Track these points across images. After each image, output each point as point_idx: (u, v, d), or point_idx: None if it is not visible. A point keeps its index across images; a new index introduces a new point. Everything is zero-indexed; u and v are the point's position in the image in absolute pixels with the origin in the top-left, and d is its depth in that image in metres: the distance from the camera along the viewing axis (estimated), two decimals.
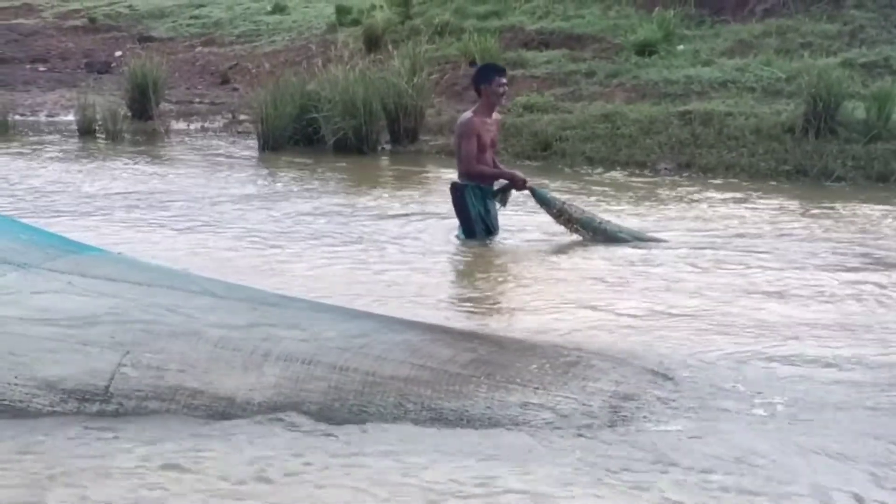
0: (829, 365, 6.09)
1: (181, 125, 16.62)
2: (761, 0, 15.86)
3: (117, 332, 5.50)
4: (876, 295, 7.67)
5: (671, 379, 5.67)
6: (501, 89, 9.14)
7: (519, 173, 9.39)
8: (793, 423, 5.16)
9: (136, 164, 13.57)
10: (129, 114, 16.63)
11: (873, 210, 10.54)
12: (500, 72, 9.29)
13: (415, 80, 14.51)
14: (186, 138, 15.74)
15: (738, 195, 11.34)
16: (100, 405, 5.19)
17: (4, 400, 5.19)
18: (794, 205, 10.90)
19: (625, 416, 5.17)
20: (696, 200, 11.15)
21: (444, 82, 16.01)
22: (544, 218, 9.42)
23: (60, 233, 7.44)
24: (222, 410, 5.14)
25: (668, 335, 6.69)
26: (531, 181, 9.36)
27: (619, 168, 12.91)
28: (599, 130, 13.69)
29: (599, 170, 12.88)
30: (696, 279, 8.08)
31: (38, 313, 5.66)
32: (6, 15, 24.50)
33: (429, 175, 12.75)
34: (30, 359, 5.38)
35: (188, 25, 22.15)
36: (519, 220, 9.74)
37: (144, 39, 21.61)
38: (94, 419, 5.12)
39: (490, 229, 9.25)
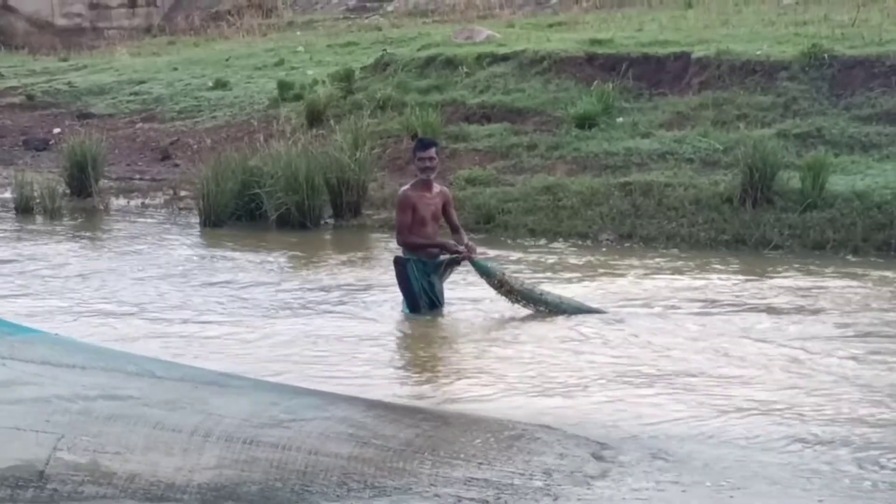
0: (766, 437, 6.10)
1: (121, 202, 16.47)
2: (697, 73, 16.07)
3: (52, 415, 5.38)
4: (818, 364, 7.71)
5: (614, 450, 5.65)
6: (423, 163, 9.17)
7: (451, 242, 9.34)
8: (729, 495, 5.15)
9: (74, 242, 13.43)
10: (68, 191, 16.43)
11: (809, 279, 10.65)
12: (424, 146, 9.32)
13: (357, 154, 14.51)
14: (126, 215, 15.60)
15: (678, 265, 11.40)
16: (34, 491, 5.06)
17: None
18: (732, 274, 10.97)
19: (568, 489, 5.13)
20: (638, 271, 11.20)
21: (386, 156, 16.02)
22: (487, 291, 9.41)
23: None
24: (161, 494, 5.04)
25: (611, 406, 6.71)
26: (469, 252, 9.30)
27: (561, 239, 12.94)
28: (541, 202, 13.75)
29: (542, 241, 12.91)
30: (638, 350, 8.09)
31: None
32: None
33: (372, 249, 12.72)
34: None
35: (128, 102, 22.05)
36: (463, 293, 9.71)
37: (84, 116, 21.46)
38: None
39: (434, 303, 9.21)
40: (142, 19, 33.28)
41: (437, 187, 9.39)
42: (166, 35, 31.10)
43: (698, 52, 16.44)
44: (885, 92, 14.57)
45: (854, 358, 7.84)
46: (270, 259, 12.13)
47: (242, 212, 14.52)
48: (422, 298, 9.16)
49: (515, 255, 12.01)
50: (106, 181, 17.10)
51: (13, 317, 7.55)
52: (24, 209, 15.62)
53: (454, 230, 9.49)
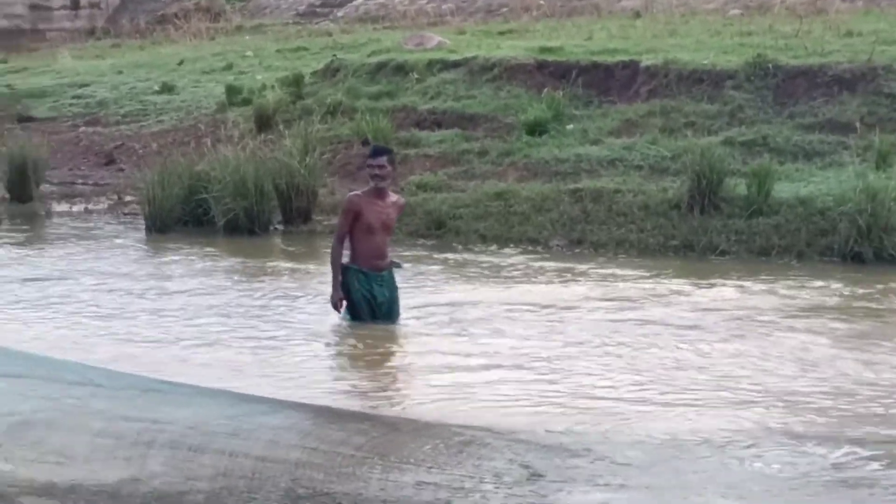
0: (703, 439, 6.13)
1: (63, 207, 16.23)
2: (645, 82, 16.14)
3: None
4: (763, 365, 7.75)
5: (564, 455, 5.63)
6: (373, 170, 9.00)
7: (337, 293, 8.87)
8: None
9: (13, 247, 13.20)
10: (8, 196, 16.22)
11: (755, 283, 10.72)
12: (374, 153, 9.16)
13: (307, 160, 14.39)
14: (69, 220, 15.37)
15: (628, 271, 11.42)
16: None
17: None
18: (679, 279, 11.01)
19: (517, 493, 5.08)
20: (587, 276, 11.20)
21: (336, 162, 15.94)
22: (433, 297, 9.37)
23: None
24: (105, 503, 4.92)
25: (560, 411, 6.70)
26: (339, 303, 8.89)
27: (512, 245, 12.93)
28: (493, 208, 13.73)
29: (493, 247, 12.89)
30: (586, 355, 8.11)
31: None
32: None
33: (321, 255, 12.58)
34: None
35: (71, 105, 21.82)
36: (409, 300, 9.64)
37: (24, 119, 21.18)
38: None
39: (376, 313, 9.04)
40: (85, 21, 32.95)
41: (392, 196, 9.19)
42: (111, 38, 30.84)
43: (646, 60, 16.52)
44: (828, 101, 14.76)
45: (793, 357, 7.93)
46: (217, 265, 12.01)
47: (189, 217, 14.36)
48: (361, 306, 9.03)
49: (464, 260, 11.98)
50: (47, 186, 16.89)
51: None
52: None
53: None
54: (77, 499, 4.95)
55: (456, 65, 17.90)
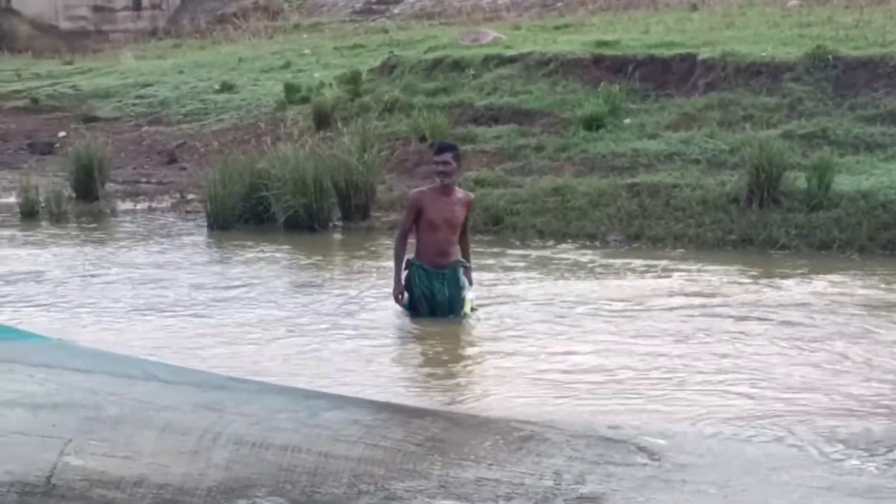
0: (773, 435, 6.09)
1: (128, 205, 16.45)
2: (703, 75, 16.07)
3: (59, 420, 5.37)
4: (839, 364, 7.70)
5: (625, 452, 5.63)
6: (437, 167, 9.05)
7: (398, 287, 9.04)
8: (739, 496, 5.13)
9: (80, 246, 13.39)
10: (74, 195, 16.37)
11: (818, 278, 10.64)
12: (438, 150, 9.20)
13: (365, 156, 14.48)
14: (133, 219, 15.57)
15: (687, 265, 11.39)
16: (42, 497, 5.03)
17: None
18: (740, 274, 10.95)
19: (578, 489, 5.11)
20: (647, 271, 11.19)
21: (394, 158, 16.02)
22: (495, 291, 9.39)
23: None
24: (170, 497, 5.02)
25: (620, 406, 6.69)
26: (399, 296, 9.04)
27: (569, 240, 12.94)
28: (549, 204, 13.75)
29: (550, 242, 12.91)
30: (648, 350, 8.07)
31: None
32: None
33: (380, 251, 12.69)
34: None
35: (134, 105, 22.08)
36: (474, 295, 9.66)
37: (89, 119, 21.48)
38: None
39: (435, 311, 9.08)
40: (147, 22, 33.32)
41: (458, 193, 9.18)
42: (172, 38, 31.15)
43: (704, 53, 16.45)
44: (889, 92, 14.63)
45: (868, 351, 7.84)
46: (278, 262, 12.10)
47: (250, 215, 14.50)
48: (420, 303, 9.09)
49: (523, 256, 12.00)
50: (112, 185, 17.09)
51: (20, 323, 7.57)
52: (28, 213, 15.54)
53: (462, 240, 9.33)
54: (144, 493, 5.03)
55: (512, 60, 17.93)
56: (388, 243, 12.85)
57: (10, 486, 5.04)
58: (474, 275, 9.41)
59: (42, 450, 5.21)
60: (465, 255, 9.29)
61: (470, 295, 9.12)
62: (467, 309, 9.07)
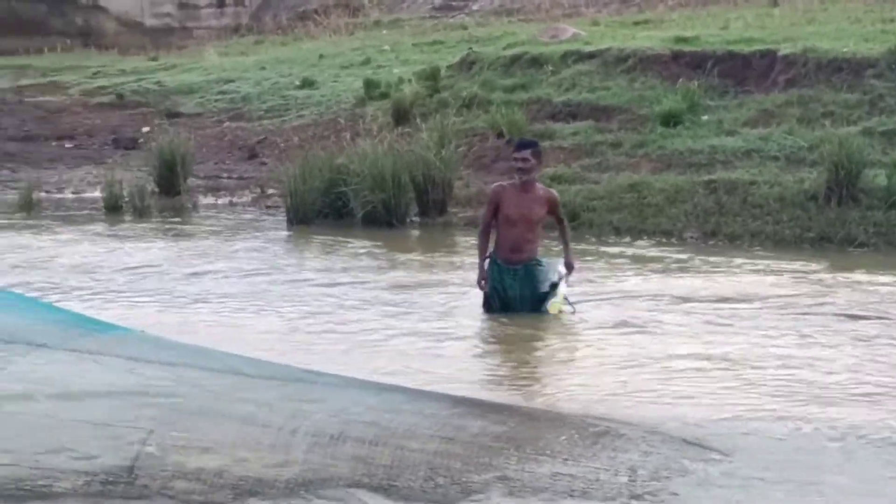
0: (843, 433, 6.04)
1: (209, 200, 16.69)
2: (783, 71, 15.94)
3: (142, 411, 5.48)
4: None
5: (700, 448, 5.63)
6: (516, 163, 9.08)
7: (481, 273, 9.06)
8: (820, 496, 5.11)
9: (163, 240, 13.62)
10: (157, 190, 16.67)
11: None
12: (518, 146, 9.22)
13: (443, 152, 14.57)
14: (215, 213, 15.80)
15: (764, 263, 11.30)
16: (124, 486, 5.13)
17: (26, 484, 5.13)
18: (819, 272, 10.85)
19: (652, 486, 5.13)
20: (723, 268, 11.13)
21: (471, 154, 16.09)
22: (577, 289, 9.40)
23: (83, 312, 7.46)
24: (250, 489, 5.10)
25: (696, 403, 6.67)
26: (481, 284, 9.05)
27: (645, 237, 12.92)
28: (626, 200, 13.73)
29: (626, 239, 12.90)
30: (724, 348, 8.03)
31: (61, 393, 5.65)
32: (33, 92, 24.82)
33: (457, 247, 12.76)
34: (52, 441, 5.35)
35: (216, 101, 22.35)
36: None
37: (172, 115, 21.79)
38: (119, 501, 5.06)
39: (508, 307, 9.10)
40: (230, 19, 33.70)
41: (540, 190, 9.17)
42: (254, 34, 31.48)
43: (784, 49, 16.32)
44: None
45: None
46: (357, 257, 12.21)
47: (329, 210, 14.64)
48: (493, 297, 9.13)
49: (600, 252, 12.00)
50: (194, 179, 17.34)
51: (104, 314, 7.72)
52: (112, 208, 15.86)
53: (560, 235, 9.38)
54: (224, 484, 5.11)
55: (590, 56, 17.94)
56: (464, 239, 12.97)
57: (93, 476, 5.16)
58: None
59: (125, 440, 5.30)
60: (565, 244, 9.29)
61: (563, 289, 9.04)
62: (559, 305, 8.99)
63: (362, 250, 12.60)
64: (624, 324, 8.81)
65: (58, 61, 28.67)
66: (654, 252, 12.16)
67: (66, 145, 21.09)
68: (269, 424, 5.42)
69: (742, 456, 5.59)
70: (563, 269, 9.12)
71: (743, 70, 16.46)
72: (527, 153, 8.95)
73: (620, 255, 11.98)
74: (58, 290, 10.14)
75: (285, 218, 14.72)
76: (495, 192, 9.15)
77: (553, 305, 8.97)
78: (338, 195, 14.60)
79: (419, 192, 14.43)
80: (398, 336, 8.55)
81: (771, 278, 10.60)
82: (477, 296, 9.38)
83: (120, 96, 23.58)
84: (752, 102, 15.66)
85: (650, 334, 8.48)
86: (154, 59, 28.05)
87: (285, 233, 14.13)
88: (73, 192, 17.77)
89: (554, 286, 9.03)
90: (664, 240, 12.78)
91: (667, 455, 5.47)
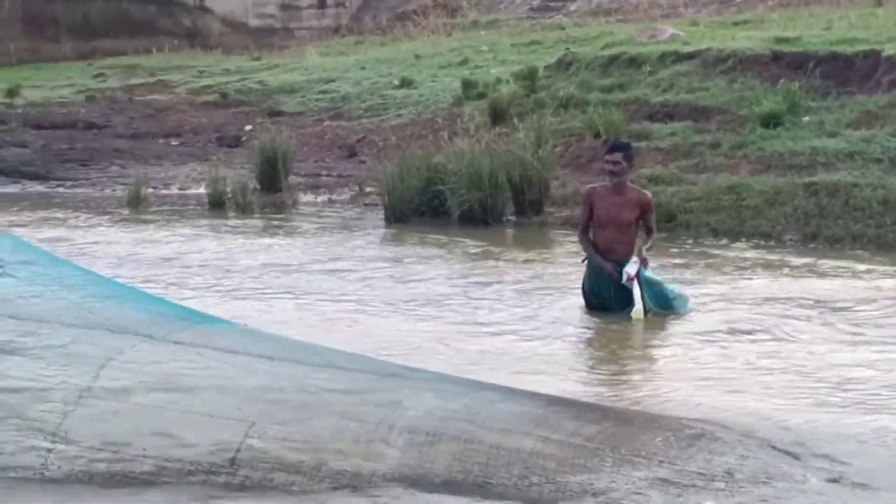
0: None
1: (309, 197, 16.89)
2: (887, 72, 15.66)
3: (243, 403, 5.58)
4: None
5: (797, 455, 5.58)
6: (607, 166, 9.07)
7: (605, 265, 9.01)
8: None
9: (264, 236, 13.84)
10: (259, 186, 16.93)
11: None
12: (610, 149, 9.22)
13: (540, 152, 14.58)
14: (314, 210, 16.00)
15: (866, 267, 11.14)
16: (226, 477, 5.24)
17: (133, 472, 5.27)
18: None
19: (750, 490, 5.10)
20: (824, 272, 10.99)
21: (568, 154, 16.05)
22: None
23: (187, 304, 7.62)
24: (347, 483, 5.17)
25: (795, 409, 6.60)
26: (612, 271, 8.96)
27: (743, 239, 12.79)
28: (724, 202, 13.60)
29: (724, 241, 12.78)
30: (828, 353, 7.94)
31: (166, 384, 5.79)
32: (142, 91, 25.33)
33: (553, 247, 12.77)
34: (157, 430, 5.49)
35: (317, 100, 22.56)
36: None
37: (274, 114, 22.06)
38: (221, 490, 5.18)
39: (605, 306, 9.09)
40: (331, 20, 33.99)
41: (632, 192, 9.18)
42: (354, 35, 31.68)
43: (889, 49, 16.02)
44: None
45: None
46: (453, 255, 12.28)
47: (426, 208, 14.74)
48: (589, 298, 9.14)
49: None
50: (294, 177, 17.55)
51: (206, 307, 7.87)
52: (216, 204, 16.16)
53: (647, 233, 9.30)
54: (322, 477, 5.20)
55: (689, 57, 17.78)
56: (561, 239, 12.99)
57: (196, 465, 5.29)
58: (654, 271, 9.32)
59: (227, 432, 5.41)
60: (645, 240, 9.19)
61: (636, 291, 8.96)
62: (640, 312, 8.92)
63: (459, 248, 12.66)
64: (722, 327, 8.75)
65: (165, 61, 29.19)
66: (752, 254, 12.04)
67: (173, 143, 21.49)
68: (365, 419, 5.49)
69: (846, 463, 5.52)
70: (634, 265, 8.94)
71: (845, 71, 16.19)
72: (618, 156, 8.96)
73: (719, 258, 11.87)
74: (163, 283, 10.38)
75: (383, 216, 14.85)
76: (587, 194, 9.22)
77: (636, 312, 8.93)
78: (434, 194, 14.69)
79: (515, 191, 14.46)
80: (492, 334, 8.60)
81: (878, 282, 10.44)
82: (575, 296, 9.40)
83: (224, 95, 23.94)
84: (855, 104, 15.40)
85: (749, 338, 8.42)
86: (257, 59, 28.39)
87: (383, 231, 14.26)
88: (178, 189, 18.15)
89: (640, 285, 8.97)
90: (763, 242, 12.64)
91: (765, 460, 5.42)
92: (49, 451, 5.33)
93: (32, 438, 5.41)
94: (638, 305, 8.89)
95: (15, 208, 16.29)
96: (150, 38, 32.28)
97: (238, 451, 5.32)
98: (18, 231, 10.45)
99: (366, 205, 16.05)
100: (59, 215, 15.59)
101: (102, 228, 14.46)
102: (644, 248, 9.08)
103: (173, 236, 13.74)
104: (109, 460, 5.30)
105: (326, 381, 5.88)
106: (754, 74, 16.71)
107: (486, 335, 8.57)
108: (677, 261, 11.62)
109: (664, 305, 9.03)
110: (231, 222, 15.02)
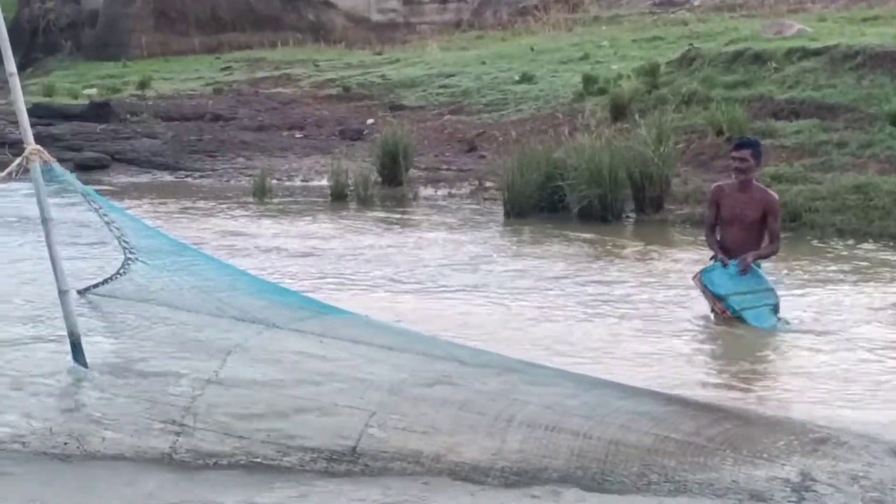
0: None
1: (429, 191, 17.00)
2: None
3: (364, 393, 5.66)
4: None
5: None
6: (733, 163, 8.94)
7: (720, 255, 8.83)
8: None
9: (385, 228, 13.96)
10: (380, 179, 17.11)
11: None
12: (737, 146, 9.08)
13: (661, 149, 14.45)
14: (434, 204, 16.10)
15: None
16: (347, 465, 5.32)
17: (257, 457, 5.38)
18: None
19: (877, 497, 5.00)
20: None
21: (690, 151, 15.89)
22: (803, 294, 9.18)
23: (309, 294, 7.74)
24: (465, 475, 5.20)
25: None
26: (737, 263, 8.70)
27: (871, 240, 12.50)
28: (851, 202, 13.32)
29: (850, 242, 12.52)
30: None
31: (288, 372, 5.90)
32: (267, 84, 25.82)
33: (674, 245, 12.65)
34: (280, 417, 5.59)
35: (438, 94, 22.72)
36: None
37: (395, 108, 22.29)
38: (342, 479, 5.24)
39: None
40: (452, 14, 34.18)
41: (757, 192, 8.98)
42: (475, 30, 31.79)
43: None
44: None
45: None
46: (574, 252, 12.24)
47: (545, 203, 14.71)
48: (706, 296, 9.02)
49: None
50: (415, 170, 17.69)
51: (328, 299, 7.98)
52: (338, 196, 16.37)
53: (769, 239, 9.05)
54: (441, 469, 5.24)
55: (816, 53, 17.45)
56: (682, 237, 12.87)
57: (319, 453, 5.38)
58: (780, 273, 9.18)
59: (348, 421, 5.51)
60: (765, 245, 8.96)
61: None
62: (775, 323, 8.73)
63: (579, 244, 12.62)
64: (847, 331, 8.58)
65: (290, 55, 29.70)
66: (882, 256, 11.78)
67: (296, 135, 21.85)
68: (485, 412, 5.52)
69: None
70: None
71: None
72: (746, 153, 8.83)
73: (846, 259, 11.64)
74: (286, 274, 10.53)
75: (502, 210, 14.87)
76: (713, 191, 9.14)
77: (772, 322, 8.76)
78: (554, 189, 14.66)
79: (636, 188, 14.36)
80: (611, 331, 8.56)
81: None
82: (697, 295, 9.30)
83: (346, 89, 24.24)
84: None
85: (875, 343, 8.24)
86: (379, 53, 28.67)
87: (502, 225, 14.28)
88: (301, 180, 18.46)
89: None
90: (891, 243, 12.35)
91: (893, 466, 5.32)
92: (178, 434, 5.46)
93: (162, 422, 5.56)
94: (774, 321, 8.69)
95: (147, 197, 16.71)
96: (275, 33, 32.90)
97: (359, 440, 5.40)
98: (150, 220, 10.67)
99: (485, 199, 16.09)
100: (188, 204, 15.95)
101: (229, 218, 14.74)
102: (752, 255, 8.78)
103: (295, 227, 13.96)
104: (234, 445, 5.41)
105: (447, 373, 5.93)
106: (884, 72, 16.33)
107: (602, 332, 8.53)
108: (802, 261, 11.42)
109: (749, 316, 8.80)
110: (353, 214, 15.19)
